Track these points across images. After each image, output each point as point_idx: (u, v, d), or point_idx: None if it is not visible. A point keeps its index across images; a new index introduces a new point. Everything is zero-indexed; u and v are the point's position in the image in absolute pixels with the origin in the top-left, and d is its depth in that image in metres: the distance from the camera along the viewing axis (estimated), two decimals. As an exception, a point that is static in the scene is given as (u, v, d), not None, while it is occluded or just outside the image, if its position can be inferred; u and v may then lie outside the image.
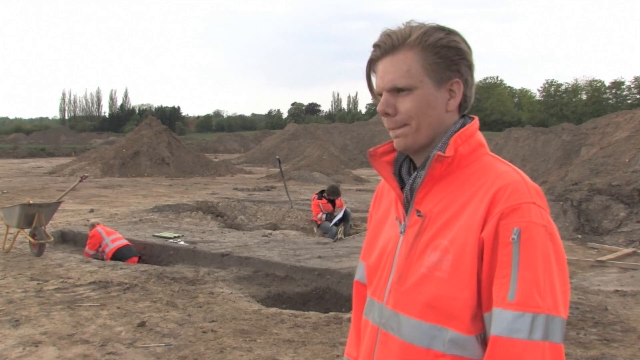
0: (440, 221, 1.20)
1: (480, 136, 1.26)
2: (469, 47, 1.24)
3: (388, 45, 1.23)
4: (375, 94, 1.28)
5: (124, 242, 8.39)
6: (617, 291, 6.41)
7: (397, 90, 1.22)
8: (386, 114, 1.25)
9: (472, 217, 1.15)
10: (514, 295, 1.07)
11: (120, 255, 8.08)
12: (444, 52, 1.21)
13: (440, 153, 1.19)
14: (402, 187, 1.29)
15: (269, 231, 10.63)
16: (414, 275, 1.21)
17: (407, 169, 1.31)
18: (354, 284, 1.54)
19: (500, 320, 1.07)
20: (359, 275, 1.51)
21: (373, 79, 1.29)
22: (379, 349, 1.27)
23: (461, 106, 1.26)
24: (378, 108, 1.26)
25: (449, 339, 1.14)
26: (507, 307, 1.07)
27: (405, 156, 1.33)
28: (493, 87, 79.73)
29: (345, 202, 12.12)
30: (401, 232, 1.27)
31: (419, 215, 1.23)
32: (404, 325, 1.21)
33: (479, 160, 1.23)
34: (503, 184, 1.15)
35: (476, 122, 1.27)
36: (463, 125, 1.25)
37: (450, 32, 1.22)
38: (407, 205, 1.27)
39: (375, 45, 1.25)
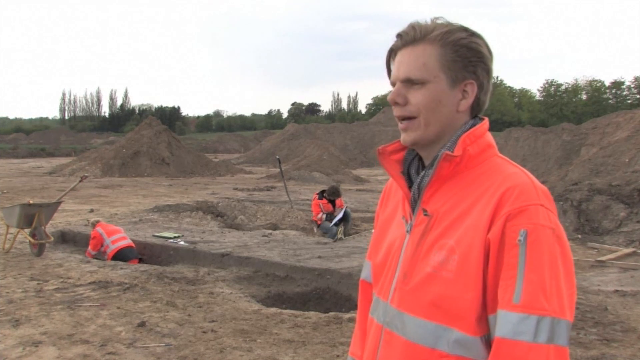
0: (446, 221, 1.19)
1: (489, 137, 1.26)
2: (490, 52, 1.24)
3: (410, 37, 1.23)
4: (391, 83, 1.29)
5: (126, 242, 8.37)
6: (617, 291, 6.41)
7: (410, 82, 1.22)
8: (396, 103, 1.25)
9: (479, 217, 1.14)
10: (520, 298, 1.06)
11: (121, 256, 8.08)
12: (462, 51, 1.21)
13: (448, 152, 1.19)
14: (410, 186, 1.29)
15: (269, 231, 10.63)
16: (419, 274, 1.20)
17: (415, 168, 1.31)
18: (360, 283, 1.54)
19: (505, 322, 1.07)
20: (365, 274, 1.51)
21: (393, 68, 1.29)
22: (383, 348, 1.27)
23: (473, 109, 1.26)
24: (389, 97, 1.26)
25: (454, 340, 1.14)
26: (512, 309, 1.06)
27: (414, 155, 1.32)
28: (493, 87, 79.58)
29: (345, 202, 12.13)
30: (407, 231, 1.27)
31: (425, 215, 1.23)
32: (409, 324, 1.21)
33: (488, 161, 1.23)
34: (510, 185, 1.14)
35: (486, 123, 1.26)
36: (473, 125, 1.24)
37: (473, 34, 1.23)
38: (414, 204, 1.27)
39: (398, 35, 1.26)
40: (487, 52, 1.24)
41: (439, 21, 1.24)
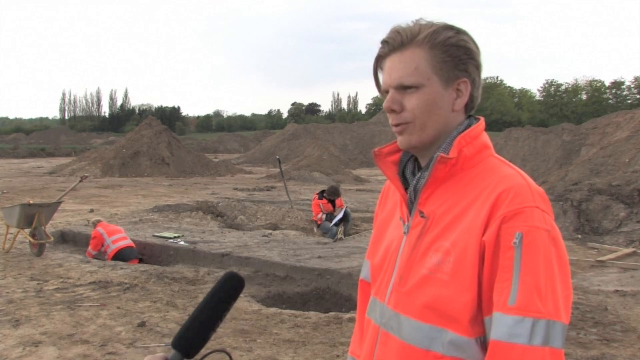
0: (443, 223, 1.19)
1: (485, 137, 1.25)
2: (477, 47, 1.23)
3: (397, 42, 1.22)
4: (382, 91, 1.28)
5: (126, 242, 8.38)
6: (617, 291, 6.41)
7: (403, 88, 1.21)
8: (392, 111, 1.24)
9: (474, 219, 1.14)
10: (515, 300, 1.06)
11: (122, 256, 8.08)
12: (452, 50, 1.20)
13: (443, 154, 1.18)
14: (407, 188, 1.28)
15: (269, 231, 10.63)
16: (415, 276, 1.20)
17: (411, 170, 1.31)
18: (359, 282, 1.54)
19: (501, 325, 1.06)
20: (364, 273, 1.51)
21: (380, 75, 1.28)
22: (379, 349, 1.27)
23: (467, 106, 1.25)
24: (384, 105, 1.25)
25: (449, 341, 1.14)
26: (507, 311, 1.06)
27: (410, 156, 1.32)
28: (493, 87, 79.61)
29: (345, 202, 12.13)
30: (404, 233, 1.26)
31: (422, 217, 1.23)
32: (404, 325, 1.21)
33: (484, 162, 1.22)
34: (506, 187, 1.14)
35: (482, 123, 1.26)
36: (468, 126, 1.24)
37: (459, 32, 1.22)
38: (410, 206, 1.27)
39: (384, 42, 1.24)
40: (474, 48, 1.23)
41: (421, 22, 1.23)
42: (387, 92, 1.25)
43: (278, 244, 8.67)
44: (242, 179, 24.41)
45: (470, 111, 1.27)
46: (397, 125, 1.25)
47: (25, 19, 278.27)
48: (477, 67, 1.23)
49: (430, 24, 1.22)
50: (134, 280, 6.62)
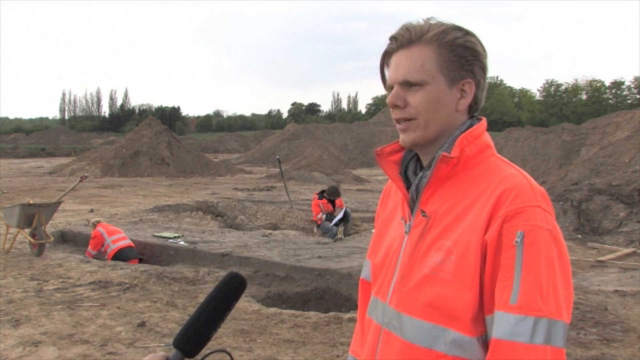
0: (444, 222, 1.19)
1: (487, 137, 1.26)
2: (484, 50, 1.24)
3: (405, 39, 1.23)
4: (387, 87, 1.28)
5: (126, 242, 8.38)
6: (617, 291, 6.41)
7: (408, 84, 1.22)
8: (395, 106, 1.24)
9: (476, 218, 1.14)
10: (517, 299, 1.06)
11: (121, 256, 8.09)
12: (459, 51, 1.21)
13: (445, 154, 1.19)
14: (409, 187, 1.29)
15: (269, 231, 10.63)
16: (417, 275, 1.20)
17: (413, 169, 1.31)
18: (360, 282, 1.54)
19: (502, 324, 1.07)
20: (365, 273, 1.51)
21: (386, 71, 1.29)
22: (381, 348, 1.27)
23: (471, 107, 1.26)
24: (388, 100, 1.25)
25: (451, 340, 1.14)
26: (509, 310, 1.06)
27: (412, 156, 1.32)
28: (493, 87, 79.51)
29: (345, 202, 12.13)
30: (406, 232, 1.27)
31: (423, 216, 1.23)
32: (406, 325, 1.21)
33: (486, 161, 1.23)
34: (508, 187, 1.14)
35: (484, 123, 1.26)
36: (470, 126, 1.24)
37: (467, 33, 1.23)
38: (412, 205, 1.27)
39: (392, 38, 1.25)
40: (482, 50, 1.24)
41: (431, 21, 1.24)
42: (391, 88, 1.26)
43: (278, 244, 8.67)
44: (242, 179, 24.42)
45: (474, 113, 1.28)
46: (400, 121, 1.25)
47: (25, 19, 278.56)
48: (483, 69, 1.24)
49: (440, 24, 1.23)
50: (134, 280, 6.62)
